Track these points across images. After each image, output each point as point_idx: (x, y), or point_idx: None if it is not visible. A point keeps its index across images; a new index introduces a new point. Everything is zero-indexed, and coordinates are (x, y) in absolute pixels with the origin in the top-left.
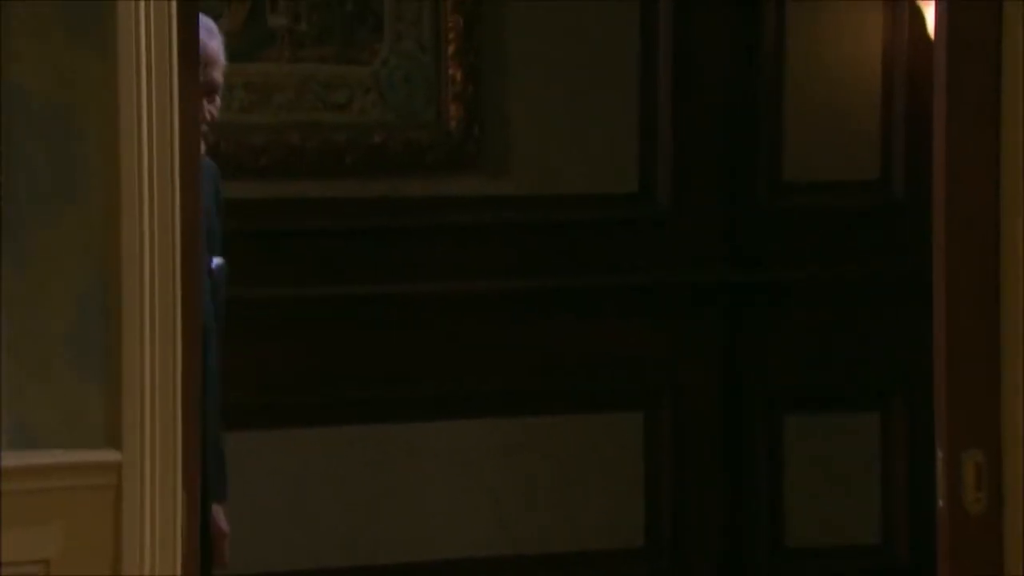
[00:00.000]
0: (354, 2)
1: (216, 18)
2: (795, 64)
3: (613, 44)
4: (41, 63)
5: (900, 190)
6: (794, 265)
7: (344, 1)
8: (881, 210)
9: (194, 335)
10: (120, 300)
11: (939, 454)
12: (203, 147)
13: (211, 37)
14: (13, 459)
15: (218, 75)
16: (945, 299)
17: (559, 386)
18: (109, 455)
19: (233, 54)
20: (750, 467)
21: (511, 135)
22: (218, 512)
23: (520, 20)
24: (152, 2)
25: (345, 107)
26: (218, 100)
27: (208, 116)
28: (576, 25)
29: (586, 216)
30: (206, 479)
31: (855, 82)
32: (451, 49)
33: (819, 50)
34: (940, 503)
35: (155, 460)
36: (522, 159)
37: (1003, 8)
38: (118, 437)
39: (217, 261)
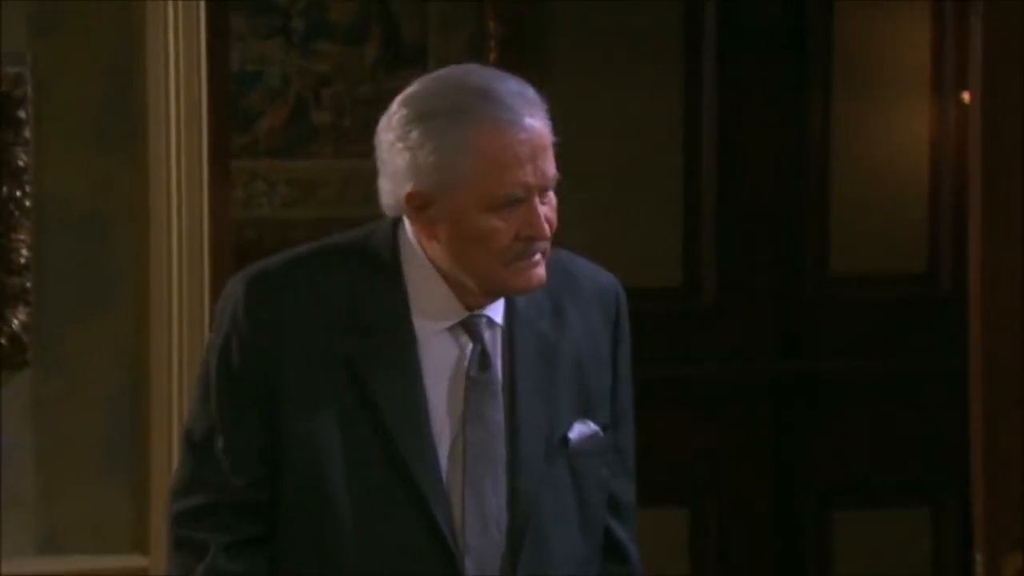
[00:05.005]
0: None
1: (260, 115)
2: (841, 156)
3: (657, 138)
4: (75, 172)
5: (947, 283)
6: (842, 359)
7: (387, 97)
8: (929, 303)
9: None
10: (149, 406)
11: (978, 558)
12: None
13: None
14: (40, 565)
15: None
16: (982, 402)
17: None
18: (136, 560)
19: (276, 150)
20: (799, 564)
21: (556, 230)
22: None
23: (562, 115)
24: (183, 110)
25: None
26: None
27: None
28: (619, 119)
29: (631, 310)
30: None
31: (902, 175)
32: None
33: (866, 142)
34: None
35: None
36: None
37: None
38: (145, 542)
39: (585, 428)
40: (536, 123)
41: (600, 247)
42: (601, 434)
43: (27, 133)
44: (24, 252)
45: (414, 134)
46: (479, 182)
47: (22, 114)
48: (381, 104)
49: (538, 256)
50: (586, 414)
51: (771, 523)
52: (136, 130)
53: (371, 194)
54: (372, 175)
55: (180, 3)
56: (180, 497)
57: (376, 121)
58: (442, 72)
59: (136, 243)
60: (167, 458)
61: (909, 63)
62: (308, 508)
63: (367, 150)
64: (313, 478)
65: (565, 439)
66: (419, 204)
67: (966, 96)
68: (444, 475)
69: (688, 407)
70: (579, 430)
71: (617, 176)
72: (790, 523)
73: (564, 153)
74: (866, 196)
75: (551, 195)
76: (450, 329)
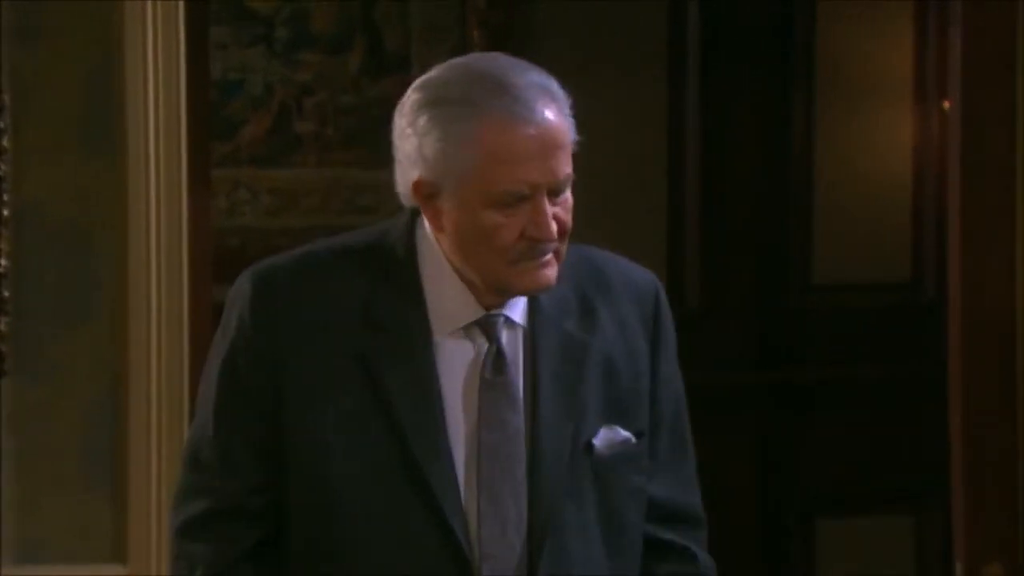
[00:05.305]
0: (381, 107)
1: (242, 123)
2: (825, 165)
3: (641, 144)
4: (54, 181)
5: (931, 290)
6: (825, 367)
7: (371, 106)
8: (912, 311)
9: None
10: (128, 414)
11: (958, 567)
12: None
13: None
14: (19, 572)
15: None
16: (961, 410)
17: None
18: (115, 569)
19: (259, 159)
20: (782, 572)
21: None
22: None
23: None
24: (162, 118)
25: (373, 211)
26: None
27: None
28: (604, 125)
29: None
30: None
31: (885, 182)
32: None
33: (849, 151)
34: None
35: (161, 574)
36: None
37: (1016, 120)
38: (124, 551)
39: (612, 434)
40: (552, 119)
41: None
42: (633, 440)
43: (5, 142)
44: (3, 261)
45: (422, 120)
46: (482, 176)
47: (0, 123)
48: (364, 113)
49: (548, 257)
50: (616, 418)
51: (755, 530)
52: (115, 138)
53: (354, 203)
54: (354, 184)
55: (159, 11)
56: (180, 506)
57: (359, 130)
58: (464, 58)
59: (115, 252)
60: (146, 467)
61: (892, 71)
62: (318, 511)
63: (350, 159)
64: (322, 480)
65: (590, 445)
66: (426, 193)
67: (947, 104)
68: (461, 478)
69: None
70: (605, 436)
71: (601, 181)
72: (774, 530)
73: None
74: (850, 203)
75: (566, 195)
76: (466, 328)
